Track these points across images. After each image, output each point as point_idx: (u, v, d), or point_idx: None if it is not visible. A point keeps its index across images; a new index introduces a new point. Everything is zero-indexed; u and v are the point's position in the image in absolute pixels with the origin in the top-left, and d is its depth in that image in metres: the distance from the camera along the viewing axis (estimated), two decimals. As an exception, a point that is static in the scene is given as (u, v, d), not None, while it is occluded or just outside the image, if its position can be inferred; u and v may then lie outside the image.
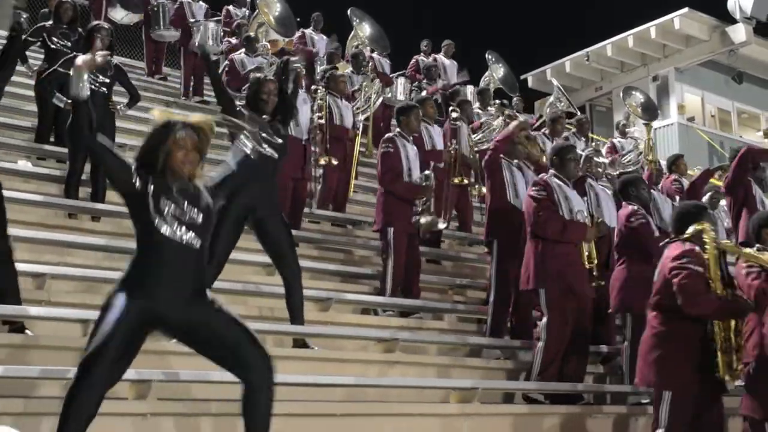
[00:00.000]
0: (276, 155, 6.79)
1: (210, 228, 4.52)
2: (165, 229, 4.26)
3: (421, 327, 8.24)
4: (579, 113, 13.73)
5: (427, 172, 8.49)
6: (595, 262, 7.50)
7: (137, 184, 4.28)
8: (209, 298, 4.45)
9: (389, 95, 10.82)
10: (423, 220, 8.35)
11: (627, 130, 13.89)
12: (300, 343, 6.92)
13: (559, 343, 7.20)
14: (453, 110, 10.58)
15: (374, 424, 5.93)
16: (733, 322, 5.77)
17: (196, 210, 4.38)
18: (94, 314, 5.77)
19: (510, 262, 8.02)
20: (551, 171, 7.68)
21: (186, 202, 4.35)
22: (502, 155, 8.38)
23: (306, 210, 10.01)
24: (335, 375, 6.45)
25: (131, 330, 4.21)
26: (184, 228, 4.31)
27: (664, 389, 5.81)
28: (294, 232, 9.18)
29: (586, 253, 7.45)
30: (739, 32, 21.97)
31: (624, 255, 7.61)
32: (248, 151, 4.83)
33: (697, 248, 5.82)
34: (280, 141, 6.84)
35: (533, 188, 7.56)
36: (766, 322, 5.81)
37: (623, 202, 7.91)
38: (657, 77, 22.94)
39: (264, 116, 6.86)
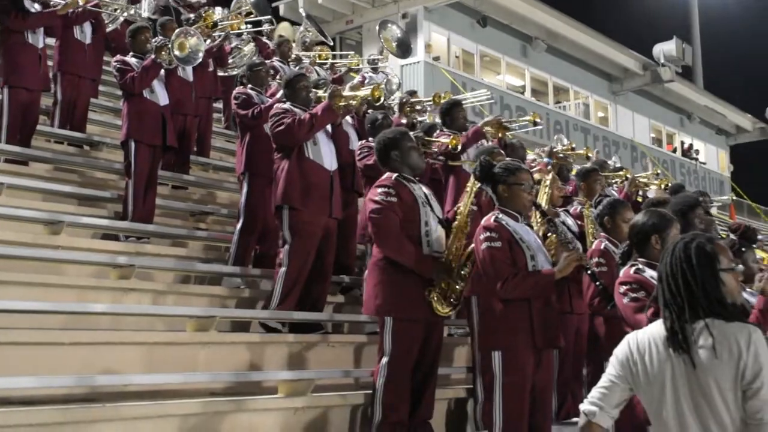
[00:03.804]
0: None
1: None
2: None
3: (160, 254, 7.99)
4: (331, 41, 13.72)
5: None
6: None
7: None
8: None
9: (133, 12, 10.29)
10: None
11: (380, 65, 13.89)
12: None
13: (302, 270, 7.07)
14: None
15: (107, 352, 5.65)
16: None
17: None
18: None
19: (261, 193, 7.93)
20: (288, 103, 7.41)
21: None
22: (251, 86, 8.27)
23: (43, 128, 9.48)
24: (65, 302, 6.13)
25: None
26: None
27: (385, 315, 5.86)
28: (26, 150, 8.70)
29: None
30: (485, -23, 22.68)
31: None
32: None
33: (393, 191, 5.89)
34: None
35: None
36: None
37: None
38: (407, 15, 23.26)
39: None
